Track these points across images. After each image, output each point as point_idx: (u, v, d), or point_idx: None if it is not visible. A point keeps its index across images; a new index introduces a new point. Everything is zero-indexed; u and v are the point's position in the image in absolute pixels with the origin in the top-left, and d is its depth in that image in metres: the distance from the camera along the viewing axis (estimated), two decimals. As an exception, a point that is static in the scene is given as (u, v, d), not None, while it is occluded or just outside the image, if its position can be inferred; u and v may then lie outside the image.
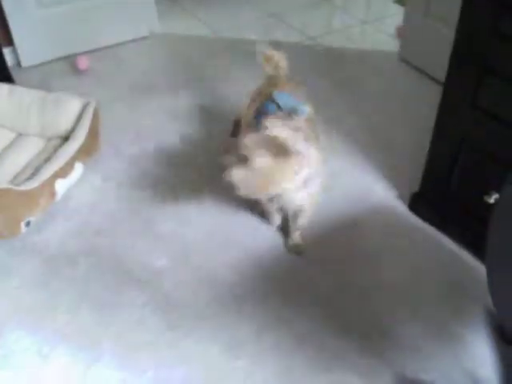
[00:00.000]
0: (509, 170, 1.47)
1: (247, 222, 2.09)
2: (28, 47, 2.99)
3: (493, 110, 1.68)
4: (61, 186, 2.04)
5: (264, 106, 1.89)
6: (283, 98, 1.88)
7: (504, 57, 1.59)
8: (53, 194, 2.02)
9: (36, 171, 2.08)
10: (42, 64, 3.02)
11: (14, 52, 2.98)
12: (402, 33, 3.05)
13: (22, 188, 1.90)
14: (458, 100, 1.77)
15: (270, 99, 1.89)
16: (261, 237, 2.03)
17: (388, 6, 3.66)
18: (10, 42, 2.94)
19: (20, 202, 1.90)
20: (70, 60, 3.01)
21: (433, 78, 2.79)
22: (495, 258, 1.10)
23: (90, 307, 1.78)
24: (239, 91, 2.75)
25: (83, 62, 2.93)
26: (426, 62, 2.88)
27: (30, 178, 2.02)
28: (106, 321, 1.74)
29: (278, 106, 1.84)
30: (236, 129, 2.50)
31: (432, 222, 2.05)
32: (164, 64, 3.04)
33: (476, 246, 1.89)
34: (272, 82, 2.06)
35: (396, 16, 3.32)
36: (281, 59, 2.11)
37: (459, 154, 1.85)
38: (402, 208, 2.13)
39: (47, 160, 2.13)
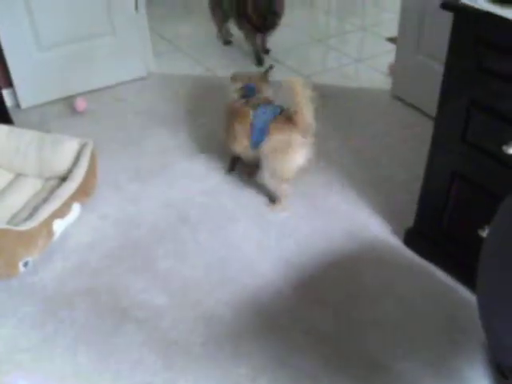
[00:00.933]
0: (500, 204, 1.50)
1: (244, 257, 2.10)
2: (27, 89, 3.04)
3: (481, 144, 1.71)
4: (59, 226, 2.06)
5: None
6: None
7: (489, 92, 1.63)
8: (51, 234, 2.03)
9: (34, 211, 2.09)
10: (41, 105, 3.06)
11: (14, 93, 3.03)
12: (394, 70, 3.11)
13: (21, 228, 1.92)
14: (448, 135, 1.80)
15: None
16: (258, 273, 2.04)
17: (380, 44, 3.73)
18: (9, 83, 3.00)
19: (18, 242, 1.91)
20: (69, 101, 3.06)
21: (425, 114, 2.83)
22: (486, 293, 1.12)
23: (88, 348, 1.78)
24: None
25: (81, 104, 2.98)
26: (418, 98, 2.92)
27: (28, 219, 2.03)
28: (104, 362, 1.74)
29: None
30: (233, 164, 2.54)
31: (427, 257, 2.06)
32: (161, 103, 3.09)
33: (471, 279, 1.89)
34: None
35: (388, 54, 3.38)
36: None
37: (451, 188, 1.87)
38: (397, 243, 2.14)
39: (45, 200, 2.15)
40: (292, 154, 2.16)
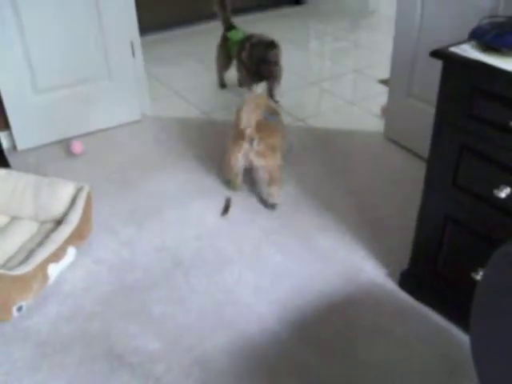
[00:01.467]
0: (493, 246, 1.51)
1: (239, 301, 2.10)
2: (24, 131, 3.07)
3: (473, 189, 1.74)
4: (53, 270, 2.06)
5: None
6: None
7: (479, 138, 1.66)
8: (45, 278, 2.03)
9: (29, 255, 2.10)
10: (37, 147, 3.09)
11: (10, 135, 3.06)
12: (386, 112, 3.16)
13: (15, 273, 1.92)
14: (440, 179, 1.83)
15: None
16: (253, 317, 2.03)
17: (373, 86, 3.79)
18: (6, 125, 3.03)
19: (12, 286, 1.91)
20: (65, 144, 3.09)
21: (418, 156, 2.87)
22: (478, 343, 1.12)
23: (81, 394, 1.76)
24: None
25: (77, 147, 3.01)
26: (410, 140, 2.96)
27: (22, 263, 2.03)
28: (97, 408, 1.72)
29: None
30: (227, 207, 2.56)
31: (423, 299, 2.06)
32: (156, 146, 3.12)
33: (466, 321, 1.89)
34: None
35: (381, 96, 3.44)
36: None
37: (445, 231, 1.89)
38: (392, 286, 2.14)
39: (40, 244, 2.15)
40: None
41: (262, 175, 2.59)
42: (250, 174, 2.72)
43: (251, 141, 2.44)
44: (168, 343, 1.93)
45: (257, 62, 3.19)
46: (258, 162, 2.51)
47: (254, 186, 2.73)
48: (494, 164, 1.65)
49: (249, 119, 2.44)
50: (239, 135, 2.47)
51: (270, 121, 2.55)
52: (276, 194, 2.59)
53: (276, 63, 3.26)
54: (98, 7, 2.97)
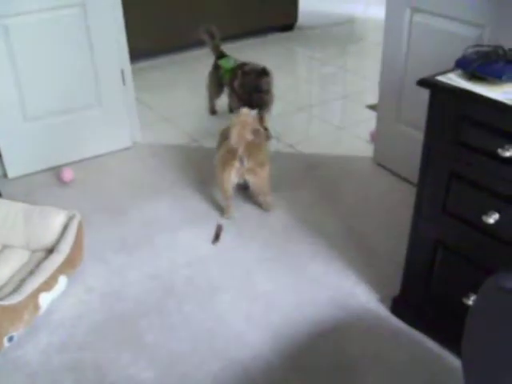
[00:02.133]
0: (483, 271, 1.53)
1: (231, 329, 2.09)
2: (14, 159, 3.08)
3: (462, 214, 1.76)
4: (45, 299, 2.05)
5: None
6: None
7: (467, 165, 1.69)
8: (37, 307, 2.02)
9: (20, 284, 2.08)
10: (28, 175, 3.09)
11: (1, 163, 3.06)
12: (375, 137, 3.19)
13: (6, 303, 1.90)
14: (429, 205, 1.85)
15: None
16: (245, 345, 2.03)
17: (361, 112, 3.83)
18: (-3, 154, 3.04)
19: (3, 317, 1.89)
20: (55, 171, 3.09)
21: (408, 181, 2.89)
22: (471, 367, 1.13)
23: (73, 425, 1.75)
24: (218, 198, 2.84)
25: (68, 175, 3.01)
26: (400, 165, 2.99)
27: (14, 292, 2.02)
28: None
29: None
30: (218, 234, 2.56)
31: (415, 325, 2.07)
32: (147, 173, 3.13)
33: (458, 346, 1.90)
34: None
35: (370, 121, 3.47)
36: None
37: (435, 256, 1.91)
38: (384, 312, 2.15)
39: (31, 273, 2.14)
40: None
41: (254, 189, 2.71)
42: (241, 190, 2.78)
43: (242, 160, 2.54)
44: (160, 372, 1.92)
45: (249, 91, 3.21)
46: (249, 178, 2.63)
47: (246, 213, 2.75)
48: (482, 190, 1.67)
49: (239, 138, 2.52)
50: (229, 155, 2.57)
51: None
52: (270, 202, 2.77)
53: (268, 91, 3.29)
54: (89, 35, 3.00)
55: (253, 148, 2.58)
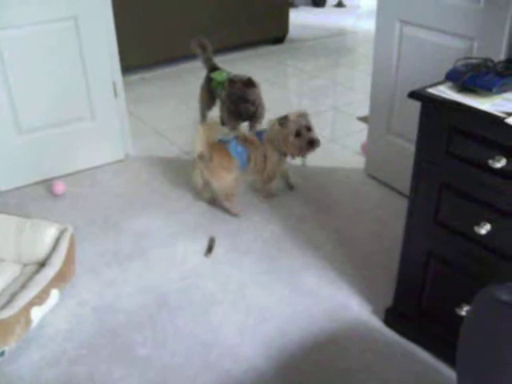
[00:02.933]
0: (475, 282, 1.54)
1: (225, 342, 2.09)
2: (6, 171, 3.06)
3: (454, 225, 1.77)
4: (37, 313, 2.03)
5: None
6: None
7: (458, 176, 1.70)
8: (29, 321, 2.00)
9: (12, 298, 2.07)
10: (20, 188, 3.08)
11: (-8, 176, 3.06)
12: (366, 149, 3.20)
13: (-2, 317, 1.89)
14: (421, 216, 1.86)
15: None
16: (240, 358, 2.02)
17: (352, 124, 3.85)
18: (-12, 167, 3.02)
19: (-5, 331, 1.88)
20: (47, 184, 3.08)
21: (399, 192, 2.91)
22: (465, 379, 1.14)
23: None
24: (210, 211, 2.84)
25: (59, 188, 3.00)
26: (391, 177, 3.00)
27: (5, 306, 2.01)
28: None
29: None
30: (211, 247, 2.56)
31: (408, 336, 2.07)
32: (138, 186, 3.13)
33: (452, 357, 1.91)
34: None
35: (361, 133, 3.50)
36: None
37: (428, 267, 1.91)
38: (377, 323, 2.15)
39: (23, 286, 2.12)
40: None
41: (216, 192, 2.84)
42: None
43: (202, 157, 2.71)
44: (154, 386, 1.92)
45: (235, 101, 3.23)
46: (211, 180, 2.78)
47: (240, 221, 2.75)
48: (473, 201, 1.68)
49: (201, 140, 2.69)
50: (198, 157, 2.77)
51: (228, 147, 2.79)
52: (230, 208, 2.84)
53: (254, 102, 3.30)
54: (81, 48, 3.00)
55: (218, 151, 2.74)
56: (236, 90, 3.25)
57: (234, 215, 2.82)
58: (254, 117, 3.35)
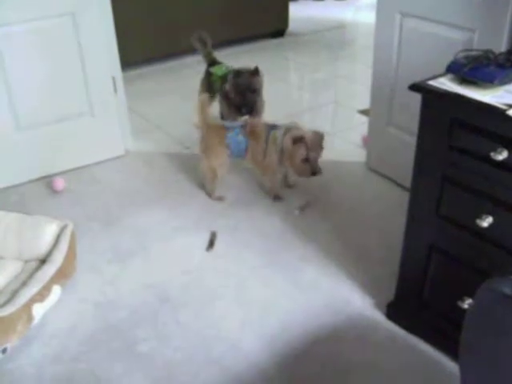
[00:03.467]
0: (478, 275, 1.53)
1: (227, 337, 2.09)
2: (6, 168, 3.06)
3: (456, 218, 1.76)
4: (38, 310, 2.03)
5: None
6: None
7: (460, 169, 1.69)
8: (30, 318, 2.00)
9: (13, 295, 2.07)
10: (20, 185, 3.07)
11: (-8, 173, 3.05)
12: (367, 142, 3.19)
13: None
14: (423, 209, 1.85)
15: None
16: (242, 353, 2.02)
17: (353, 117, 3.84)
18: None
19: (-4, 328, 1.88)
20: (47, 181, 3.07)
21: (400, 185, 2.89)
22: (468, 373, 1.13)
23: None
24: (211, 205, 2.84)
25: (59, 184, 3.00)
26: (392, 170, 2.99)
27: (7, 303, 2.00)
28: None
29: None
30: (212, 241, 2.56)
31: (410, 330, 2.07)
32: (139, 182, 3.12)
33: (455, 350, 1.90)
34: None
35: (362, 126, 3.48)
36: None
37: (430, 261, 1.90)
38: (379, 317, 2.14)
39: (24, 283, 2.12)
40: None
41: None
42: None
43: (197, 128, 2.89)
44: (156, 382, 1.91)
45: (242, 91, 3.18)
46: (200, 154, 2.91)
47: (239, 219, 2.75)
48: (475, 194, 1.67)
49: (197, 111, 2.86)
50: None
51: (227, 133, 2.82)
52: (207, 190, 2.94)
53: (259, 91, 3.28)
54: (80, 44, 2.99)
55: (213, 135, 2.83)
56: (243, 78, 3.22)
57: (214, 199, 2.91)
58: (253, 110, 3.33)
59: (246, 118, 3.19)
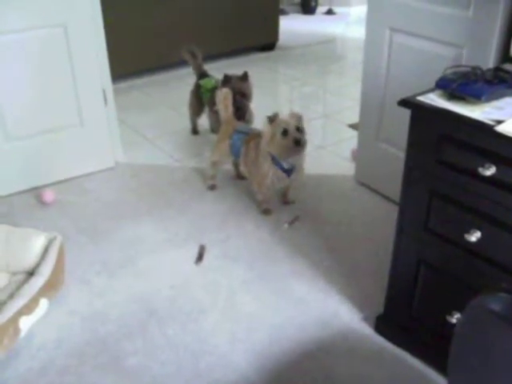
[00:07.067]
0: (466, 289, 1.54)
1: (215, 351, 2.08)
2: (-5, 179, 3.05)
3: (444, 233, 1.77)
4: (25, 323, 2.01)
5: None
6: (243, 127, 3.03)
7: (448, 184, 1.70)
8: (17, 331, 1.98)
9: (0, 308, 2.05)
10: (9, 196, 3.06)
11: (-19, 184, 3.03)
12: (356, 156, 3.21)
13: (-15, 327, 1.87)
14: (411, 223, 1.86)
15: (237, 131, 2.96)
16: (230, 367, 2.01)
17: (343, 131, 3.86)
18: (-24, 174, 3.00)
19: (-17, 341, 1.86)
20: (36, 192, 3.06)
21: (389, 199, 2.91)
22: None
23: None
24: (201, 218, 2.83)
25: (48, 196, 2.98)
26: (381, 184, 3.01)
27: (-7, 316, 1.99)
28: None
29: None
30: (201, 255, 2.55)
31: (399, 344, 2.07)
32: (128, 194, 3.11)
33: (443, 364, 1.90)
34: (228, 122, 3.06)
35: (351, 140, 3.50)
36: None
37: (418, 275, 1.91)
38: (368, 330, 2.15)
39: (11, 296, 2.10)
40: None
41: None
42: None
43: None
44: (144, 396, 1.90)
45: (232, 95, 3.18)
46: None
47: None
48: (463, 209, 1.68)
49: (218, 100, 3.09)
50: None
51: (235, 134, 2.95)
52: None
53: (250, 97, 3.30)
54: (70, 55, 2.99)
55: (224, 129, 3.05)
56: (233, 83, 3.23)
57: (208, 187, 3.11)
58: (244, 114, 3.33)
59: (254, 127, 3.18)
